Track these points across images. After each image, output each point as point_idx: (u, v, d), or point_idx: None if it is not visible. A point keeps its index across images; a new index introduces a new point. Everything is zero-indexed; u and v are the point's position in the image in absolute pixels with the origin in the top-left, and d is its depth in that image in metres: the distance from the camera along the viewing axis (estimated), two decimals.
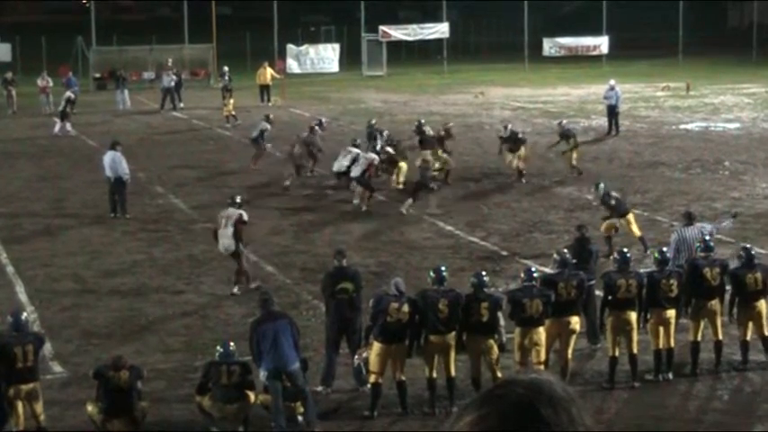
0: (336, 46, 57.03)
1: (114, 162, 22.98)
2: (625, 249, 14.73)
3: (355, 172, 23.69)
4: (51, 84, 41.79)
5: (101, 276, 18.86)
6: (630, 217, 19.27)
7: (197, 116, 40.07)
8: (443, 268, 13.38)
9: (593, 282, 14.50)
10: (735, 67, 57.45)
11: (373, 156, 24.07)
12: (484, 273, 13.46)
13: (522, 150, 26.19)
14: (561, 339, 13.28)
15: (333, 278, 13.61)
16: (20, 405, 11.90)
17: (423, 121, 28.24)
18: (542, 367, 12.58)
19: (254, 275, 17.85)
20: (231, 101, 37.85)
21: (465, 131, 33.31)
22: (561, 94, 47.06)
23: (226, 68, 42.86)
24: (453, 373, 12.74)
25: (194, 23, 52.94)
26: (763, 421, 12.65)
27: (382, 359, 12.61)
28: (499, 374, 12.50)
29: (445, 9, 59.72)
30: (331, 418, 12.74)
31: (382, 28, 57.05)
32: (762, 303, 13.97)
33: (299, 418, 12.43)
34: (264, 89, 44.06)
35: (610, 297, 13.50)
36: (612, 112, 34.17)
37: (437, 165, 25.45)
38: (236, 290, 17.36)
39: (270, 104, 42.61)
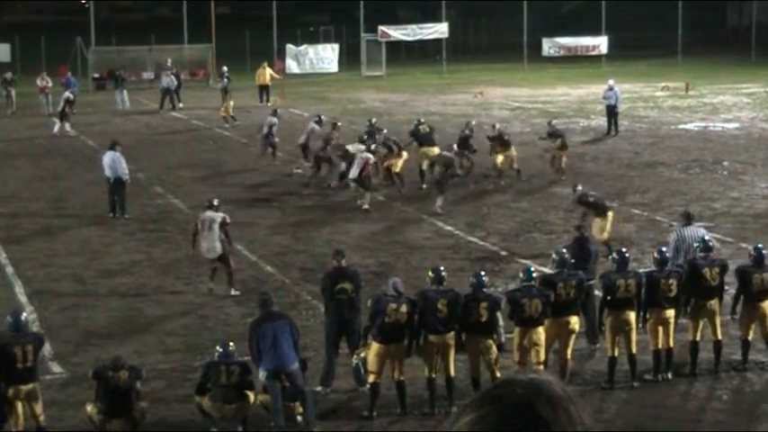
0: (335, 46, 57.03)
1: (114, 162, 22.98)
2: (624, 249, 14.73)
3: (353, 173, 23.72)
4: (51, 84, 41.80)
5: (100, 276, 18.86)
6: (610, 216, 19.11)
7: (196, 116, 40.06)
8: (442, 268, 13.39)
9: (592, 282, 14.50)
10: (734, 67, 57.46)
11: (369, 155, 24.10)
12: (483, 273, 13.47)
13: (513, 151, 26.07)
14: (560, 339, 13.29)
15: (332, 278, 13.61)
16: (19, 405, 11.90)
17: (422, 120, 28.27)
18: (542, 367, 12.59)
19: (235, 281, 17.73)
20: (231, 102, 37.82)
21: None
22: (560, 94, 47.06)
23: (225, 68, 42.87)
24: (452, 373, 12.74)
25: (193, 23, 52.93)
26: (763, 421, 12.66)
27: (381, 359, 12.62)
28: (498, 374, 12.50)
29: (444, 9, 59.72)
30: (330, 418, 12.75)
31: (381, 28, 57.04)
32: (767, 304, 13.94)
33: (299, 418, 12.44)
34: (264, 89, 44.06)
35: (609, 297, 13.50)
36: (612, 113, 34.18)
37: (464, 163, 25.62)
38: (233, 291, 17.35)
39: (269, 105, 42.57)
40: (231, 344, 12.42)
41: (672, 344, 13.60)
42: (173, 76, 42.75)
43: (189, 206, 24.23)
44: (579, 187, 19.89)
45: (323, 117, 29.19)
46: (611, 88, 34.26)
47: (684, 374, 13.76)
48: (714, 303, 13.84)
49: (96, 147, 30.66)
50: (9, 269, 19.41)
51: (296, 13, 72.09)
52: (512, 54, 61.47)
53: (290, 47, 54.76)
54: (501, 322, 12.87)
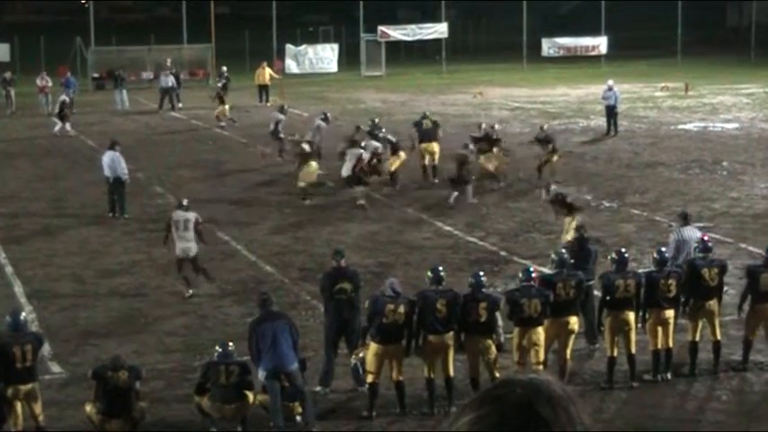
0: (335, 46, 57.03)
1: (113, 162, 22.99)
2: (623, 249, 14.73)
3: (345, 170, 23.83)
4: (50, 84, 41.80)
5: (100, 276, 18.86)
6: (578, 218, 18.99)
7: (196, 116, 40.05)
8: (441, 268, 13.39)
9: (591, 282, 14.51)
10: (733, 67, 57.45)
11: (360, 151, 24.16)
12: (482, 273, 13.47)
13: (495, 151, 25.91)
14: (560, 339, 13.29)
15: (331, 278, 13.61)
16: (18, 405, 11.90)
17: (427, 113, 28.21)
18: (541, 367, 12.60)
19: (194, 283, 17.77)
20: (226, 107, 37.62)
21: (464, 132, 33.24)
22: (560, 94, 47.06)
23: (224, 68, 42.92)
24: (452, 373, 12.75)
25: (193, 23, 52.92)
26: (762, 421, 12.65)
27: (379, 359, 12.62)
28: (497, 374, 12.50)
29: (444, 9, 59.73)
30: (329, 418, 12.75)
31: (381, 28, 57.04)
32: None
33: (298, 418, 12.44)
34: (263, 89, 44.07)
35: (608, 297, 13.49)
36: (611, 113, 34.19)
37: (494, 163, 25.63)
38: (211, 285, 17.41)
39: (268, 105, 42.61)
40: (230, 344, 12.42)
41: (671, 344, 13.61)
42: (172, 76, 42.74)
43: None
44: (553, 186, 19.88)
45: (329, 114, 29.34)
46: (610, 88, 34.26)
47: (684, 375, 13.76)
48: (713, 304, 13.83)
49: (96, 147, 30.67)
50: (8, 269, 19.42)
51: (296, 13, 72.11)
52: (511, 54, 61.46)
53: (289, 47, 54.77)
54: (500, 322, 12.87)
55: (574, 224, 18.65)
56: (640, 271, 14.67)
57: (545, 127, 27.78)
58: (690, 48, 61.51)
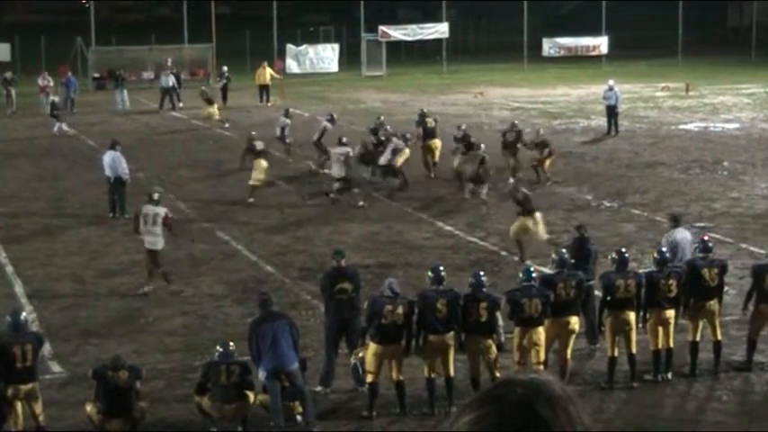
0: (336, 46, 57.05)
1: (114, 162, 23.00)
2: (623, 249, 14.72)
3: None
4: (52, 83, 41.82)
5: (100, 276, 18.86)
6: (537, 216, 19.04)
7: (196, 116, 40.02)
8: (441, 268, 13.38)
9: (592, 282, 14.50)
10: (734, 68, 57.46)
11: (348, 149, 24.20)
12: (482, 273, 13.46)
13: (471, 154, 25.71)
14: (560, 339, 13.28)
15: (331, 278, 13.60)
16: (19, 405, 11.90)
17: (425, 110, 28.44)
18: (542, 367, 12.59)
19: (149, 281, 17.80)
20: (215, 107, 37.73)
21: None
22: (560, 94, 47.06)
23: (225, 68, 42.97)
24: (452, 373, 12.74)
25: (193, 23, 52.93)
26: (763, 421, 12.65)
27: (378, 359, 12.61)
28: (498, 374, 12.50)
29: (444, 9, 59.72)
30: (330, 417, 12.75)
31: (382, 28, 57.06)
32: None
33: (298, 417, 12.43)
34: (264, 89, 44.06)
35: (609, 297, 13.48)
36: (612, 113, 34.20)
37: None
38: (147, 289, 17.41)
39: (269, 105, 42.64)
40: (231, 343, 12.42)
41: (672, 344, 13.59)
42: (172, 76, 42.75)
43: (189, 206, 24.25)
44: (510, 180, 19.82)
45: (335, 115, 29.49)
46: (611, 88, 34.27)
47: (684, 375, 13.75)
48: (713, 304, 13.82)
49: (96, 146, 30.67)
50: (9, 268, 19.42)
51: (296, 13, 72.09)
52: (512, 54, 61.48)
53: (290, 47, 54.78)
54: (501, 322, 12.86)
55: (529, 225, 18.72)
56: (641, 271, 14.66)
57: (541, 132, 27.63)
58: (690, 48, 61.52)
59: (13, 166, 30.28)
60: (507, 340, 13.11)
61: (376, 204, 24.06)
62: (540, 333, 12.91)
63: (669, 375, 13.63)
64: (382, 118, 29.35)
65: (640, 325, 13.59)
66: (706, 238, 14.88)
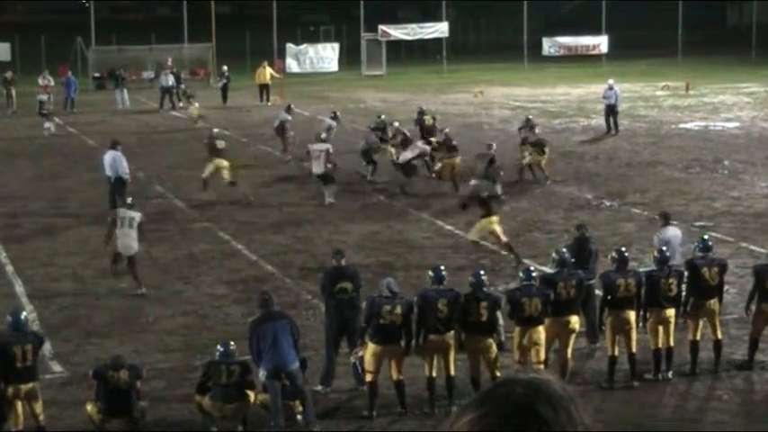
0: (336, 45, 57.05)
1: (114, 161, 23.00)
2: (623, 248, 14.72)
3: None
4: (53, 83, 41.82)
5: (100, 276, 18.84)
6: (495, 219, 19.02)
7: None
8: (442, 267, 13.38)
9: (592, 281, 14.50)
10: (734, 67, 57.45)
11: (328, 145, 24.22)
12: (482, 272, 13.46)
13: (457, 159, 25.41)
14: (561, 339, 13.28)
15: (332, 278, 13.60)
16: (19, 405, 11.90)
17: (423, 108, 28.54)
18: (542, 366, 12.58)
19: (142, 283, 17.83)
20: (196, 104, 37.87)
21: (464, 131, 33.32)
22: (560, 93, 47.06)
23: (225, 68, 43.00)
24: (453, 372, 12.73)
25: (194, 23, 52.93)
26: (763, 421, 12.65)
27: (377, 359, 12.60)
28: (498, 374, 12.49)
29: (444, 8, 59.74)
30: (330, 417, 12.74)
31: (381, 27, 57.06)
32: None
33: (298, 417, 12.44)
34: (264, 89, 44.06)
35: (609, 296, 13.48)
36: (612, 112, 34.19)
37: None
38: (141, 290, 17.47)
39: (269, 104, 42.63)
40: (232, 343, 12.41)
41: (672, 343, 13.59)
42: (172, 76, 42.74)
43: (189, 206, 24.26)
44: (473, 181, 19.79)
45: (338, 113, 29.67)
46: (611, 88, 34.26)
47: (684, 374, 13.75)
48: (713, 303, 13.82)
49: (96, 146, 30.66)
50: (9, 268, 19.41)
51: (296, 13, 72.17)
52: (512, 53, 61.48)
53: (290, 46, 54.78)
54: (501, 321, 12.86)
55: (494, 227, 18.70)
56: (641, 270, 14.66)
57: (537, 131, 27.58)
58: (690, 47, 61.52)
59: (13, 165, 30.27)
60: (507, 339, 13.11)
61: (376, 205, 24.05)
62: (541, 332, 12.91)
63: (670, 374, 13.63)
64: (383, 117, 29.45)
65: (641, 324, 13.59)
66: (706, 237, 14.87)
